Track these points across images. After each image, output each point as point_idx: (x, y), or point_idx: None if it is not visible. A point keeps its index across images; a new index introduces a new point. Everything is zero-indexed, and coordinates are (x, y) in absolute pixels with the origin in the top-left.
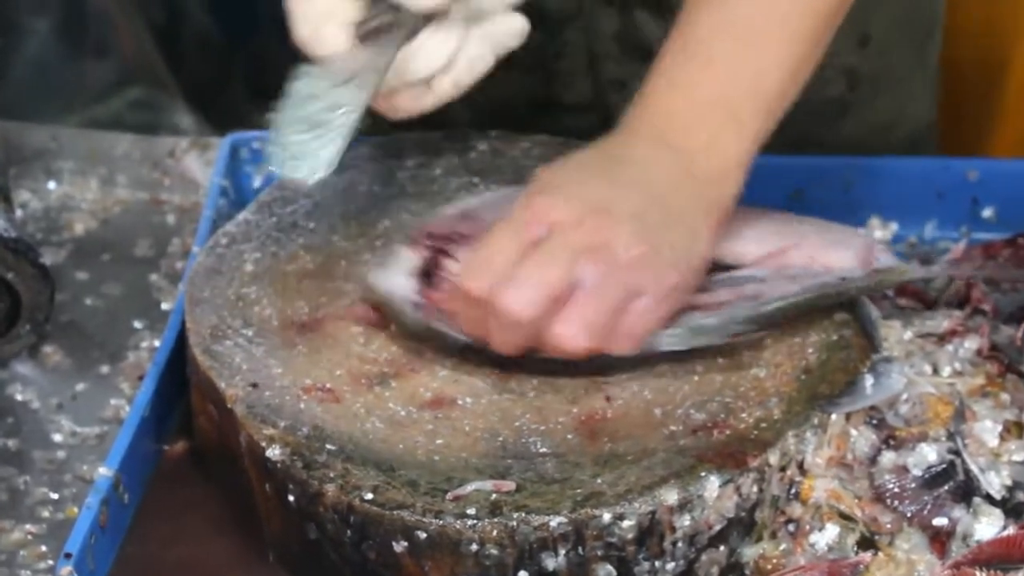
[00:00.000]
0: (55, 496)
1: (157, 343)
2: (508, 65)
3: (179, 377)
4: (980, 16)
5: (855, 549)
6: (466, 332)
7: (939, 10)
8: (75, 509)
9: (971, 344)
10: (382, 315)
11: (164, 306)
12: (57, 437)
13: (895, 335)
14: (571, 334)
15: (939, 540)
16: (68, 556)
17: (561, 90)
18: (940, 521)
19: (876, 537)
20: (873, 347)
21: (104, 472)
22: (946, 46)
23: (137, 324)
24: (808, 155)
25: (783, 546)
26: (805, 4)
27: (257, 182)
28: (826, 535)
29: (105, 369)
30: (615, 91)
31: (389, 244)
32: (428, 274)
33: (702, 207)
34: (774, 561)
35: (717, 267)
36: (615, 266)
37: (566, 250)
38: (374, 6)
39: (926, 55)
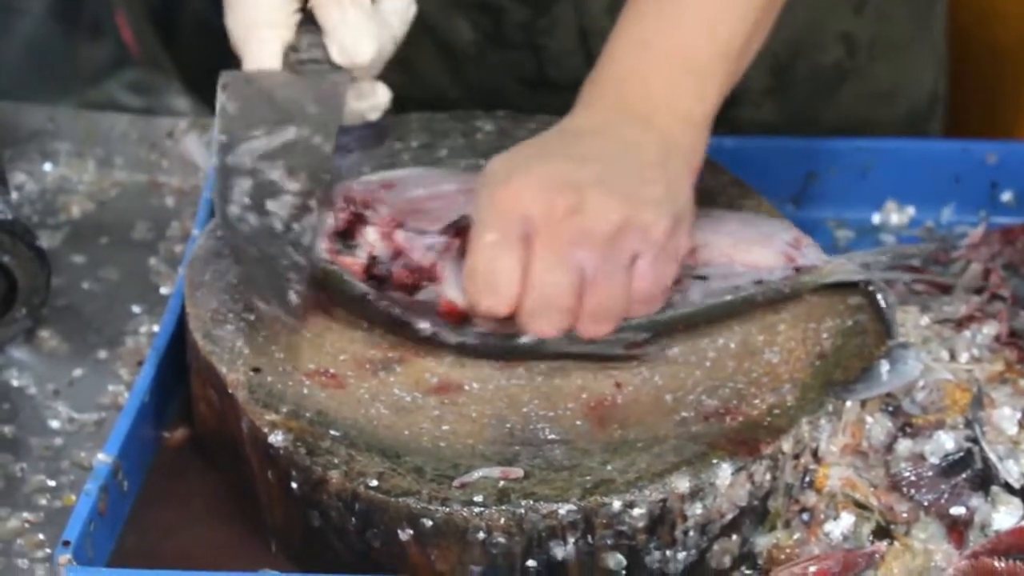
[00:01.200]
0: (52, 483)
1: (156, 328)
2: (497, 43)
3: (179, 363)
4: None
5: (871, 538)
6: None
7: None
8: (73, 497)
9: (989, 330)
10: None
11: (163, 290)
12: (54, 423)
13: (911, 320)
14: (595, 326)
15: (957, 530)
16: (66, 544)
17: (552, 68)
18: (958, 510)
19: (892, 526)
20: (889, 333)
21: (103, 458)
22: (981, 30)
23: (135, 308)
24: (823, 137)
25: (797, 535)
26: None
27: None
28: (841, 524)
29: (103, 354)
30: None
31: None
32: (342, 235)
33: (673, 158)
34: (788, 551)
35: None
36: (602, 243)
37: (557, 253)
38: (303, 35)
39: (929, 23)
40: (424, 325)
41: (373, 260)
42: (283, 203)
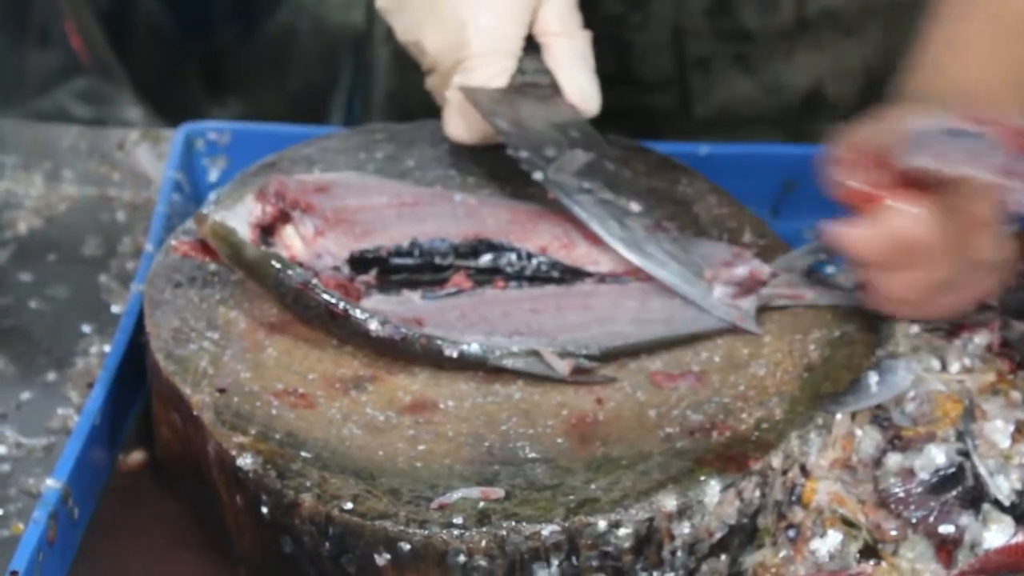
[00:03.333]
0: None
1: (107, 348)
2: None
3: (132, 384)
4: None
5: (857, 557)
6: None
7: None
8: (21, 525)
9: (981, 340)
10: (209, 251)
11: (114, 308)
12: (1, 449)
13: (902, 329)
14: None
15: (945, 549)
16: (14, 574)
17: (639, 64)
18: (947, 529)
19: (880, 545)
20: (879, 342)
21: (52, 484)
22: None
23: (85, 328)
24: (800, 144)
25: (783, 553)
26: None
27: (214, 176)
28: (828, 542)
29: (52, 376)
30: (698, 70)
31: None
32: (264, 230)
33: None
34: (773, 570)
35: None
36: None
37: None
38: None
39: None
40: (364, 316)
41: (299, 264)
42: (636, 224)
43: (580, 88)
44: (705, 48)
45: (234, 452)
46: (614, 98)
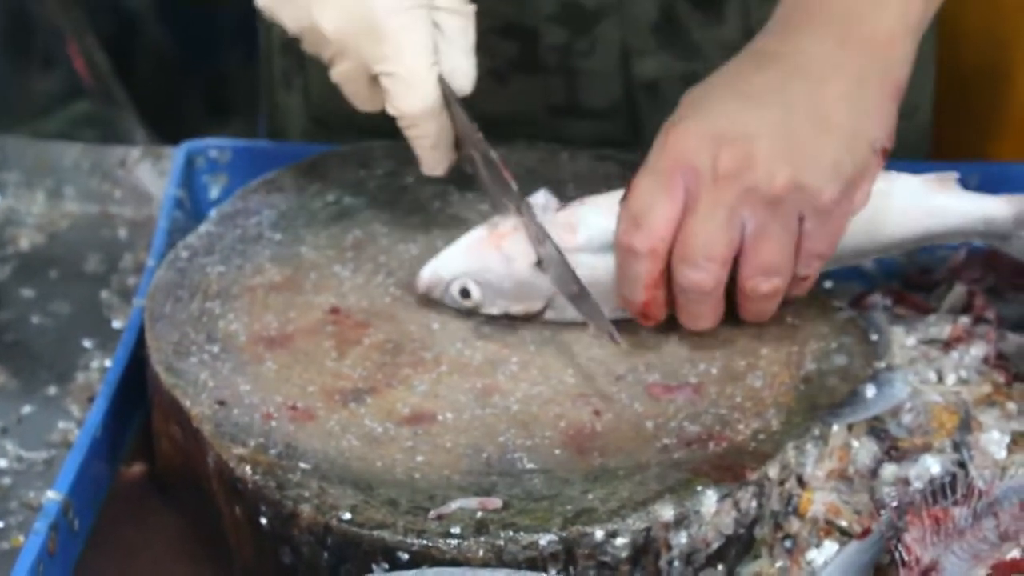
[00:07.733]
0: (0, 525)
1: (108, 363)
2: (531, 68)
3: (133, 398)
4: (981, 22)
5: None
6: (621, 293)
7: None
8: (21, 538)
9: (977, 352)
10: None
11: (115, 324)
12: (2, 462)
13: (898, 341)
14: (762, 283)
15: None
16: None
17: (587, 93)
18: None
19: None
20: (876, 354)
21: (52, 496)
22: (947, 51)
23: (87, 343)
24: None
25: (779, 563)
26: None
27: (215, 192)
28: (824, 552)
29: (53, 391)
30: (646, 93)
31: (361, 255)
32: None
33: (867, 84)
34: None
35: None
36: (766, 203)
37: (719, 207)
38: None
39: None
40: None
41: None
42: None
43: (457, 66)
44: (653, 69)
45: (233, 464)
46: (567, 131)
